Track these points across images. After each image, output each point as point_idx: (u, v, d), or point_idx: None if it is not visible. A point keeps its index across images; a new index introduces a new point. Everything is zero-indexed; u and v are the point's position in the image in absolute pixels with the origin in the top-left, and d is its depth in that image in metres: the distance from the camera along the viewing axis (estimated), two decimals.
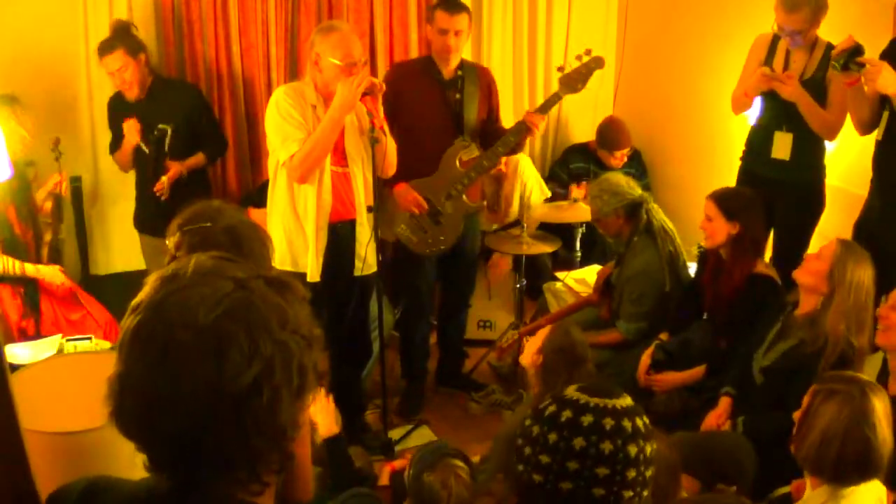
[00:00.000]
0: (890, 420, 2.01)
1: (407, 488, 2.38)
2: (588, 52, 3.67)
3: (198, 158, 4.03)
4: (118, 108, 3.96)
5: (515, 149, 3.80)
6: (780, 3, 3.24)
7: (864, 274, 2.67)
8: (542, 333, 2.86)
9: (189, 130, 3.97)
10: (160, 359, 0.96)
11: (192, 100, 4.06)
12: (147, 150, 3.88)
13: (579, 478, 1.30)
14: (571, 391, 1.38)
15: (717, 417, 2.90)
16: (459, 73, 3.74)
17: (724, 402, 2.94)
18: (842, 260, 2.68)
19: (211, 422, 0.96)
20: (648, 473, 1.34)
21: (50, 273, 3.70)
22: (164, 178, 3.83)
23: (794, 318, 2.85)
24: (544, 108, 3.75)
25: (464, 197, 3.77)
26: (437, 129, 3.71)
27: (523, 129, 3.66)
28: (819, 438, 2.00)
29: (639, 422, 1.35)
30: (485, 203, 3.90)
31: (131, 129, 3.87)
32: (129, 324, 1.00)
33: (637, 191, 3.56)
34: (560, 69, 3.71)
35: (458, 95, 3.73)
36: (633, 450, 1.31)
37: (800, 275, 2.81)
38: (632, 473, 1.31)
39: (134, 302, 1.02)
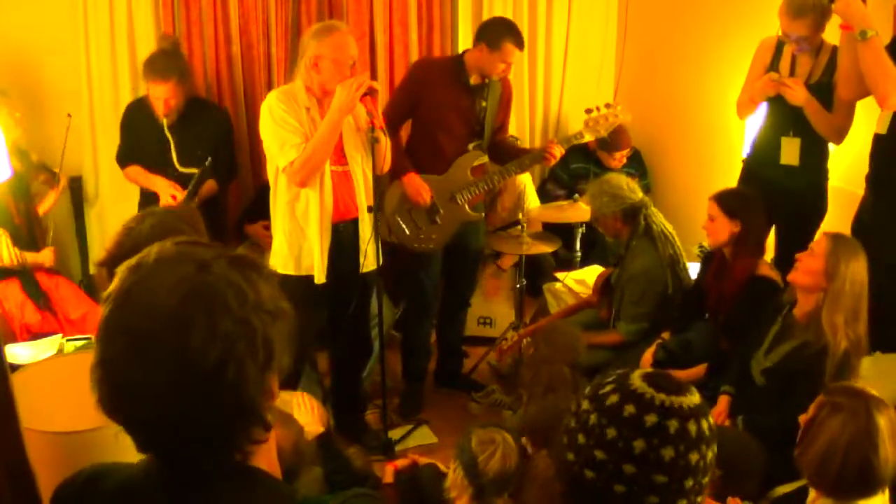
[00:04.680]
0: (894, 436, 2.00)
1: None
2: (617, 104, 3.82)
3: (211, 187, 3.94)
4: (143, 121, 3.90)
5: (525, 170, 3.98)
6: (785, 9, 3.22)
7: (857, 264, 2.69)
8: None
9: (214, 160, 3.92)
10: (127, 347, 1.00)
11: (220, 130, 4.03)
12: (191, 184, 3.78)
13: (634, 483, 1.21)
14: (637, 380, 1.27)
15: (717, 416, 2.91)
16: (486, 80, 3.74)
17: (723, 401, 2.95)
18: (835, 254, 2.69)
19: (182, 402, 1.00)
20: (705, 481, 1.25)
21: (43, 256, 3.74)
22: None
23: (793, 318, 2.85)
24: (567, 142, 3.83)
25: (465, 205, 3.79)
26: (457, 133, 3.73)
27: (541, 156, 3.74)
28: (821, 452, 2.00)
29: (704, 424, 1.25)
30: (483, 214, 3.91)
31: (166, 190, 3.80)
32: (101, 314, 1.04)
33: (637, 194, 3.56)
34: (588, 112, 3.80)
35: (484, 103, 3.75)
36: (694, 457, 1.22)
37: (796, 276, 2.80)
38: (689, 483, 1.22)
39: (105, 294, 1.05)
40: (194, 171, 3.79)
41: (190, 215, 2.15)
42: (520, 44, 3.64)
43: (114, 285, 1.05)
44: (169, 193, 3.80)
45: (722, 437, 2.69)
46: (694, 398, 1.26)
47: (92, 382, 1.04)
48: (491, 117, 3.79)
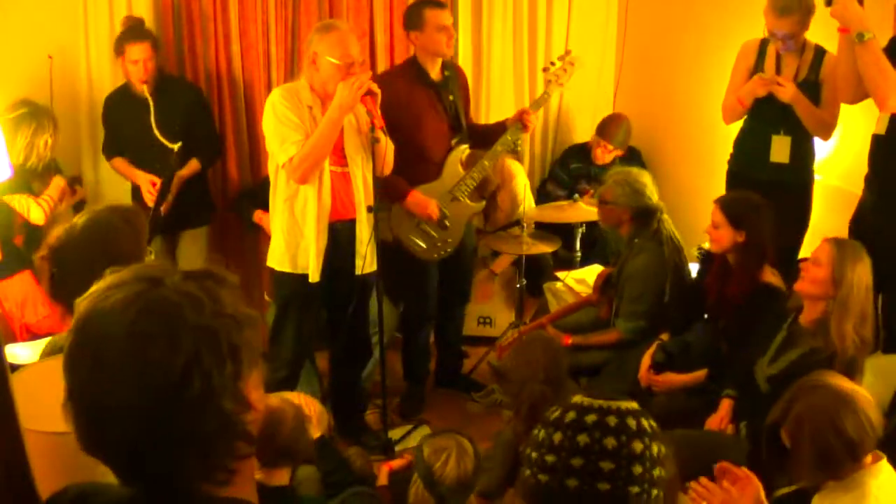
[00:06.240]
0: (858, 390, 2.07)
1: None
2: (568, 52, 3.90)
3: (193, 167, 3.98)
4: (122, 104, 3.95)
5: (511, 147, 3.90)
6: (771, 7, 3.24)
7: (863, 268, 2.66)
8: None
9: (190, 136, 3.94)
10: (90, 373, 0.99)
11: (196, 104, 4.07)
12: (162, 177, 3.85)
13: (584, 473, 1.29)
14: (577, 398, 1.37)
15: (720, 421, 2.89)
16: (446, 73, 3.74)
17: (726, 405, 2.92)
18: (840, 261, 2.65)
19: (156, 421, 0.98)
20: (657, 473, 1.31)
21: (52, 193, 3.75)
22: (169, 198, 3.84)
23: (799, 326, 2.81)
24: (536, 105, 3.83)
25: (467, 199, 3.79)
26: (437, 133, 3.71)
27: (520, 127, 3.72)
28: (814, 443, 2.03)
29: (644, 422, 1.34)
30: (484, 202, 3.95)
31: (146, 182, 3.85)
32: (64, 347, 1.03)
33: (655, 197, 3.53)
34: (545, 70, 3.87)
35: (451, 97, 3.74)
36: (637, 446, 1.30)
37: (803, 286, 2.76)
38: (637, 469, 1.29)
39: (70, 328, 1.04)
40: (171, 145, 3.84)
41: (127, 213, 2.16)
42: (438, 4, 3.64)
43: (74, 316, 1.03)
44: (148, 181, 3.84)
45: (723, 445, 2.70)
46: (631, 404, 1.37)
47: (66, 418, 1.02)
48: (462, 107, 3.79)
